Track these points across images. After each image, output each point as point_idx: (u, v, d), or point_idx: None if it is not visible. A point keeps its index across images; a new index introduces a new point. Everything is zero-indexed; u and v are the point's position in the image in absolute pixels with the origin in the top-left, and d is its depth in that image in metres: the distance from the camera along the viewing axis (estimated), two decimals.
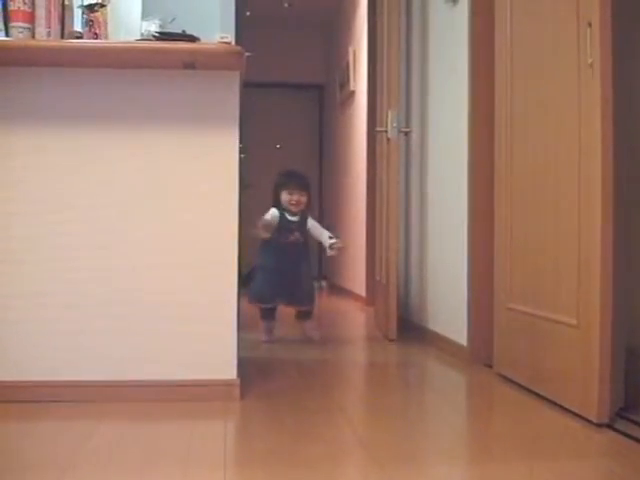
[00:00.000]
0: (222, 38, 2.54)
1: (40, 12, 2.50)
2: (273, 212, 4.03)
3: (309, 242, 4.20)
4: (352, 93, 6.85)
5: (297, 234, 4.05)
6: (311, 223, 4.15)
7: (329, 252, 4.14)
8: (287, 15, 7.95)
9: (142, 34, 2.63)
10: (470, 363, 3.38)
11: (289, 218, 4.05)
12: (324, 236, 4.16)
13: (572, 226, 2.45)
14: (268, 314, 4.15)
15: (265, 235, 3.91)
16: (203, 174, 2.64)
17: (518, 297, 2.90)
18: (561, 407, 2.50)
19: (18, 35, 2.48)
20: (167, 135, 2.63)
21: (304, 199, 4.09)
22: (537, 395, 2.68)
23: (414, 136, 4.52)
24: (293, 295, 4.08)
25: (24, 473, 1.85)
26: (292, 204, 4.04)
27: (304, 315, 4.22)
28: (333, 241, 4.09)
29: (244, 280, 6.56)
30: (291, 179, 4.15)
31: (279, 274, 4.03)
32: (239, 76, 2.65)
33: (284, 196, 4.04)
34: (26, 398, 2.49)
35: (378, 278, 4.75)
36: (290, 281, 4.05)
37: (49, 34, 2.52)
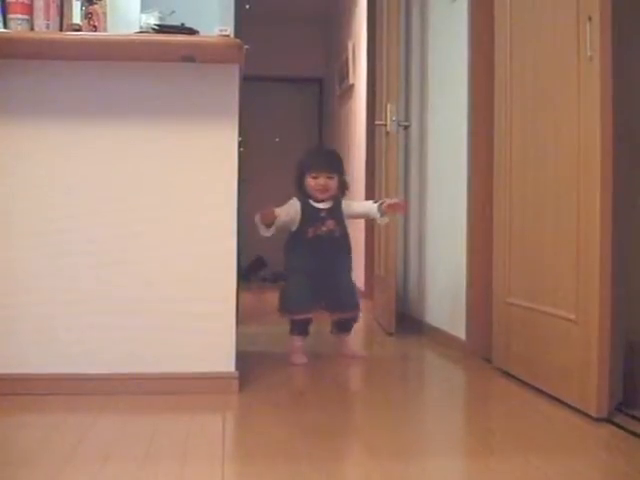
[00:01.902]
0: (221, 31, 2.53)
1: (39, 4, 2.49)
2: (291, 202, 3.32)
3: (349, 234, 3.43)
4: (351, 87, 6.84)
5: (330, 223, 3.27)
6: (346, 204, 3.39)
7: (381, 220, 3.41)
8: (286, 9, 7.93)
9: (141, 27, 2.62)
10: (468, 357, 3.38)
11: (315, 205, 3.29)
12: (367, 206, 3.48)
13: (571, 220, 2.45)
14: (301, 328, 3.38)
15: (265, 234, 3.21)
16: (202, 168, 2.64)
17: (517, 291, 2.90)
18: (560, 401, 2.50)
19: (16, 27, 2.47)
20: (166, 128, 2.63)
21: (333, 183, 3.29)
22: (536, 389, 2.68)
23: (413, 130, 4.51)
24: (334, 299, 3.31)
25: (23, 466, 1.84)
26: (317, 190, 3.27)
27: (345, 325, 3.45)
28: (380, 202, 3.36)
29: (246, 271, 6.55)
30: (316, 159, 3.42)
31: (313, 275, 3.25)
32: (238, 69, 2.64)
33: (308, 181, 3.28)
34: (25, 391, 2.49)
35: (377, 272, 4.75)
36: (328, 282, 3.27)
37: (48, 26, 2.51)
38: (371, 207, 3.39)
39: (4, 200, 2.57)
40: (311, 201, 3.29)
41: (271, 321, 3.93)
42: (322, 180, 3.26)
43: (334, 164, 3.37)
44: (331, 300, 3.28)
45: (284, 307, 3.31)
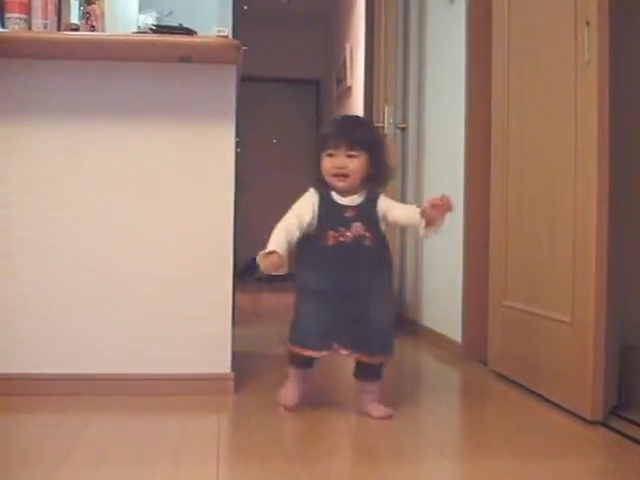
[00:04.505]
0: (219, 32, 2.53)
1: (36, 3, 2.49)
2: (305, 198, 2.36)
3: (387, 243, 2.43)
4: (349, 88, 6.84)
5: (358, 227, 2.30)
6: (384, 202, 2.38)
7: (425, 232, 2.28)
8: (284, 10, 7.93)
9: (139, 27, 2.62)
10: (464, 359, 3.38)
11: (338, 201, 2.33)
12: (410, 212, 2.37)
13: (567, 223, 2.46)
14: (302, 360, 2.43)
15: (276, 270, 2.23)
16: (199, 169, 2.64)
17: (513, 294, 2.91)
18: (555, 404, 2.50)
19: (14, 26, 2.47)
20: (162, 129, 2.62)
21: (355, 164, 2.29)
22: (531, 392, 2.69)
23: (410, 132, 4.51)
24: (358, 335, 2.32)
25: (19, 466, 1.84)
26: (333, 175, 2.31)
27: (368, 372, 2.45)
28: (422, 209, 2.28)
29: (241, 273, 6.54)
30: (331, 130, 2.39)
31: (332, 299, 2.30)
32: (235, 70, 2.64)
33: (325, 163, 2.33)
34: (22, 391, 2.48)
35: None
36: (353, 310, 2.31)
37: (46, 26, 2.51)
38: (413, 214, 2.33)
39: (2, 199, 2.57)
40: (333, 194, 2.34)
41: (267, 322, 3.93)
42: (339, 159, 2.29)
43: (357, 135, 2.32)
44: (354, 336, 2.32)
45: (292, 338, 2.39)
